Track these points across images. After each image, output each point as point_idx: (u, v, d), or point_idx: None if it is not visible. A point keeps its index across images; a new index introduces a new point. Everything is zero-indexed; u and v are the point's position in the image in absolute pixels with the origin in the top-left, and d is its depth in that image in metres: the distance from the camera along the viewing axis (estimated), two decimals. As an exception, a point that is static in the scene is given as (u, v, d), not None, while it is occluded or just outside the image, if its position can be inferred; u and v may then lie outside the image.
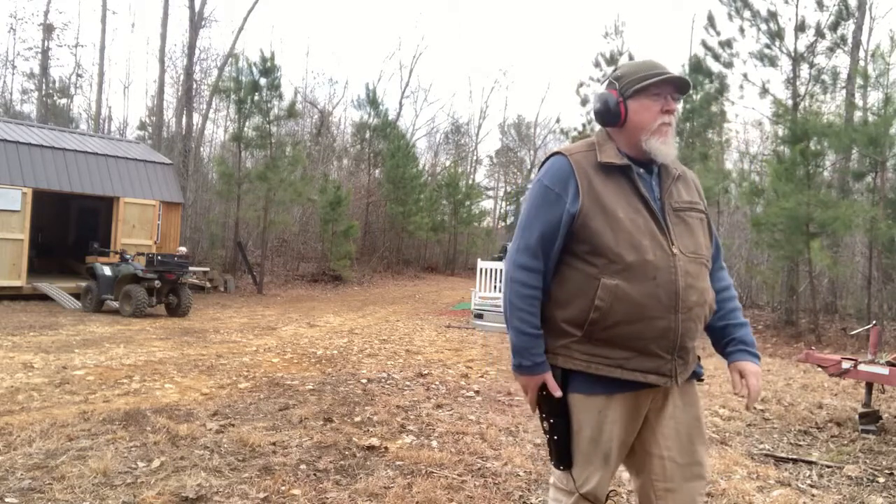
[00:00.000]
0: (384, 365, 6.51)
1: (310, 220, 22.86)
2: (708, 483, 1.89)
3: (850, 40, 12.91)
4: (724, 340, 1.86)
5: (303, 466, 3.29)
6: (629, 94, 1.73)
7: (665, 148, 1.73)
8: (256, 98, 17.14)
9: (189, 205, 19.05)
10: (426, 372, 6.17)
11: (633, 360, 1.66)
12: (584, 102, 20.45)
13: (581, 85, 20.43)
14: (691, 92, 13.00)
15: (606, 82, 1.82)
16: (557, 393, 1.69)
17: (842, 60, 13.49)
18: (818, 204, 10.56)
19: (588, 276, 1.67)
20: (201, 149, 24.49)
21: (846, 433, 4.53)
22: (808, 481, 3.48)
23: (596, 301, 1.64)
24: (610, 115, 1.75)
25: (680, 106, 1.83)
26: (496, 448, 3.76)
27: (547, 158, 1.81)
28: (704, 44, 13.81)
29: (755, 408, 5.24)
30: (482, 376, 6.17)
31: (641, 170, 1.75)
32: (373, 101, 26.48)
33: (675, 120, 1.79)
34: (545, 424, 1.74)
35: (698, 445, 1.77)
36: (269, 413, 4.33)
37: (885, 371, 4.37)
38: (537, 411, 1.78)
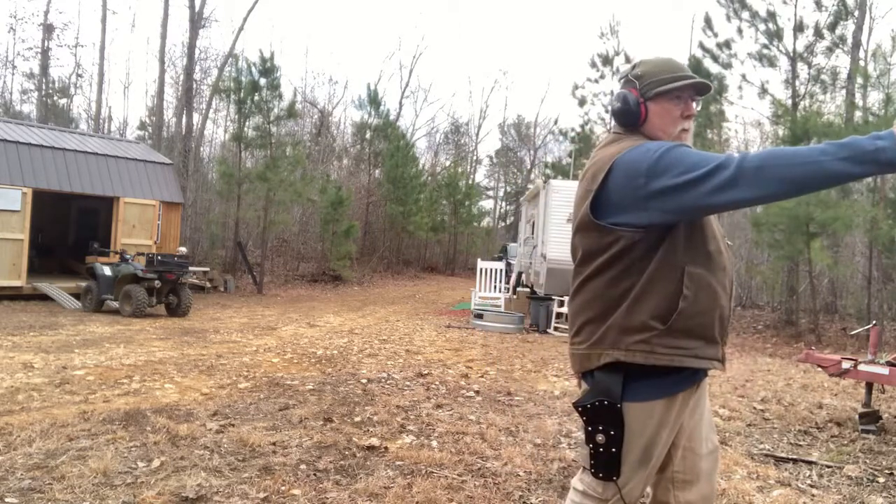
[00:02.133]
0: (384, 365, 6.50)
1: (310, 220, 22.86)
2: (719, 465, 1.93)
3: (849, 40, 12.91)
4: None
5: (303, 466, 3.29)
6: (650, 96, 1.71)
7: None
8: (256, 98, 17.14)
9: (189, 205, 19.04)
10: (426, 372, 6.17)
11: (702, 348, 1.64)
12: (582, 103, 20.42)
13: (576, 87, 20.43)
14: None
15: (625, 79, 1.78)
16: None
17: (842, 60, 13.50)
18: (818, 204, 10.56)
19: (671, 266, 1.60)
20: (201, 149, 24.49)
21: (846, 433, 4.53)
22: (808, 481, 3.48)
23: (683, 290, 1.59)
24: (630, 116, 1.73)
25: (697, 107, 1.81)
26: (496, 448, 3.76)
27: (612, 165, 1.63)
28: (702, 45, 13.83)
29: (755, 408, 5.25)
30: (482, 376, 6.17)
31: None
32: (374, 101, 26.47)
33: (693, 123, 1.78)
34: (600, 437, 1.64)
35: (711, 434, 1.83)
36: (269, 413, 4.33)
37: (885, 371, 4.37)
38: (587, 424, 1.67)
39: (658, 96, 1.71)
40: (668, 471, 1.79)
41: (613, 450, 1.64)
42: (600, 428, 1.64)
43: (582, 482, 1.75)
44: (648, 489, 1.85)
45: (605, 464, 1.65)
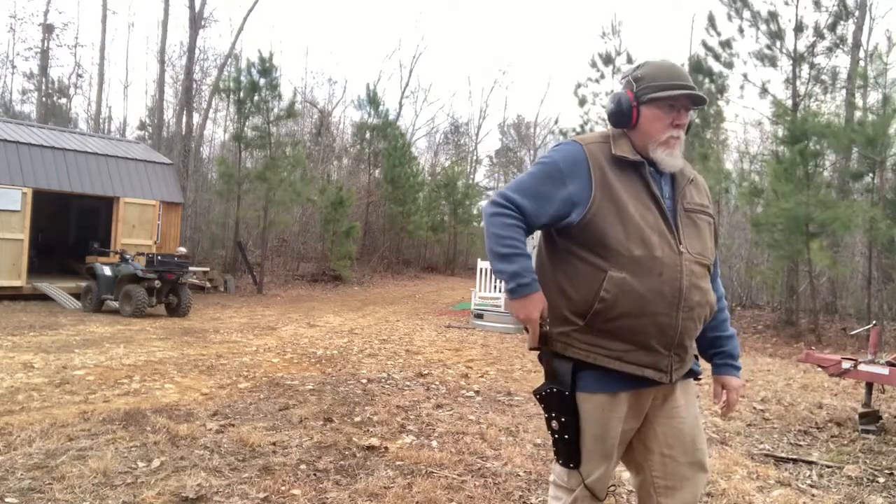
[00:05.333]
0: (384, 365, 6.50)
1: (310, 220, 22.85)
2: (709, 475, 1.91)
3: (849, 40, 12.91)
4: (713, 351, 1.93)
5: (303, 466, 3.29)
6: (644, 100, 1.73)
7: (670, 160, 1.74)
8: (256, 98, 17.14)
9: (189, 205, 19.03)
10: (426, 372, 6.16)
11: (632, 353, 1.67)
12: (583, 103, 20.38)
13: (579, 86, 20.34)
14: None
15: (625, 81, 1.80)
16: (544, 314, 1.69)
17: (842, 60, 13.52)
18: (817, 204, 10.56)
19: (595, 268, 1.67)
20: (201, 149, 24.48)
21: (846, 433, 4.53)
22: (808, 481, 3.48)
23: (601, 293, 1.64)
24: (622, 117, 1.75)
25: (689, 118, 1.83)
26: (496, 448, 3.76)
27: (560, 143, 1.80)
28: (705, 44, 13.80)
29: (755, 408, 5.25)
30: (482, 376, 6.17)
31: (651, 168, 1.76)
32: (373, 101, 26.46)
33: (684, 132, 1.78)
34: (554, 424, 1.73)
35: (699, 443, 1.81)
36: (269, 413, 4.33)
37: (885, 371, 4.37)
38: (544, 411, 1.76)
39: (651, 101, 1.72)
40: (647, 475, 1.80)
41: (567, 436, 1.71)
42: (553, 415, 1.73)
43: (553, 472, 1.84)
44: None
45: (564, 450, 1.73)
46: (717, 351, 1.92)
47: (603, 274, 1.65)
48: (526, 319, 1.69)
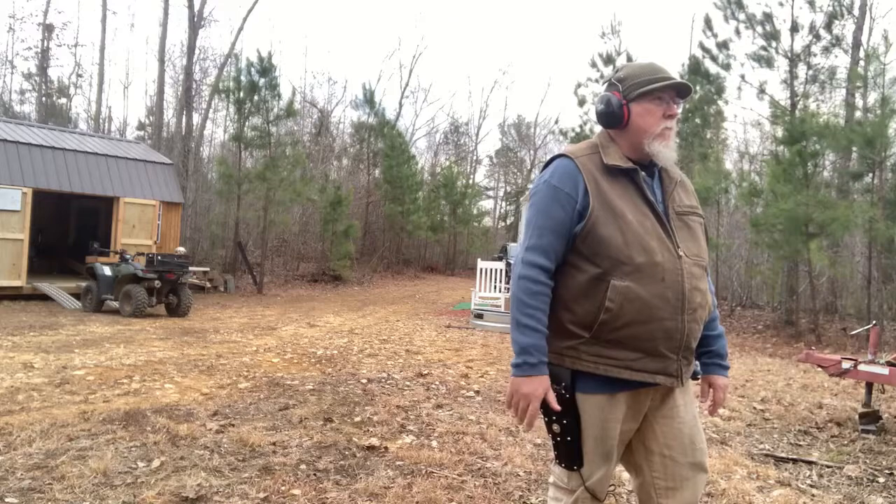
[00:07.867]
0: (384, 365, 6.50)
1: (310, 220, 22.86)
2: (708, 476, 1.91)
3: (848, 40, 12.92)
4: (702, 350, 1.91)
5: (303, 466, 3.29)
6: (632, 97, 1.74)
7: (667, 151, 1.75)
8: (255, 98, 17.15)
9: (189, 205, 19.04)
10: (426, 372, 6.17)
11: (641, 360, 1.66)
12: (582, 103, 20.38)
13: (579, 86, 20.37)
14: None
15: (608, 84, 1.82)
16: (556, 406, 1.67)
17: (842, 60, 13.52)
18: (817, 204, 10.57)
19: (596, 278, 1.66)
20: (201, 149, 24.50)
21: (846, 433, 4.53)
22: (808, 481, 3.48)
23: (606, 302, 1.63)
24: (613, 118, 1.76)
25: (679, 109, 1.84)
26: (496, 448, 3.76)
27: (550, 160, 1.80)
28: (702, 45, 13.84)
29: (755, 408, 5.26)
30: (482, 376, 6.17)
31: (643, 173, 1.76)
32: (370, 102, 26.50)
33: (676, 124, 1.80)
34: (555, 427, 1.71)
35: (699, 443, 1.80)
36: (269, 413, 4.33)
37: (885, 371, 4.37)
38: (544, 415, 1.74)
39: (640, 97, 1.73)
40: (647, 476, 1.80)
41: (569, 438, 1.70)
42: (554, 417, 1.71)
43: (553, 474, 1.83)
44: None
45: (566, 453, 1.72)
46: (705, 350, 1.91)
47: (606, 284, 1.64)
48: (523, 398, 1.64)
